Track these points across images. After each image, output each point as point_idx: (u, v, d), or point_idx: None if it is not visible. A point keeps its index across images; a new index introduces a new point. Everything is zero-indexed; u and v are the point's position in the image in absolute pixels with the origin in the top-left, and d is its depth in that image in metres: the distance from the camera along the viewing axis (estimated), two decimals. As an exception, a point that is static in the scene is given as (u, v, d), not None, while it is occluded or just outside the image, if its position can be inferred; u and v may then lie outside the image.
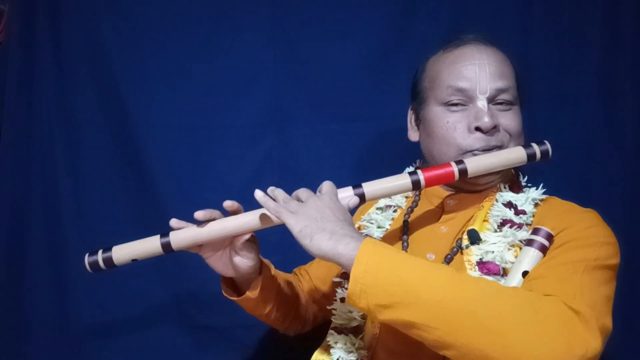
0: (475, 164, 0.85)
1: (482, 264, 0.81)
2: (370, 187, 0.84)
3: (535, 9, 1.26)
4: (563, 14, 1.25)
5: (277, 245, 1.12)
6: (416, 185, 0.85)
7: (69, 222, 1.30)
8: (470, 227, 0.86)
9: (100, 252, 0.85)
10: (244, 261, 0.87)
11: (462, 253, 0.85)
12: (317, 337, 0.99)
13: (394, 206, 1.02)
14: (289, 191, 0.83)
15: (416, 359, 0.80)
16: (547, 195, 0.90)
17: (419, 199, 1.00)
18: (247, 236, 0.85)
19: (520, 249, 0.80)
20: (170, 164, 1.29)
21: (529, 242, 0.78)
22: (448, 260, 0.85)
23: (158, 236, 0.84)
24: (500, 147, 0.88)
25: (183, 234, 0.84)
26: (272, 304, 0.97)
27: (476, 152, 0.88)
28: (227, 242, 0.88)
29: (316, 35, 1.30)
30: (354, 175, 1.28)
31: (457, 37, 0.94)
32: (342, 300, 0.93)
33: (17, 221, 1.29)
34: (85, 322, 1.28)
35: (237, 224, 0.83)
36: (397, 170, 0.89)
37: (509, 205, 0.87)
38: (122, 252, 0.84)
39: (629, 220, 1.19)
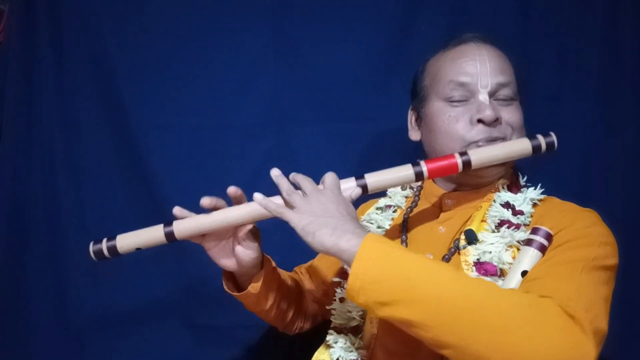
0: (479, 155, 0.84)
1: (479, 265, 0.81)
2: (372, 178, 0.84)
3: (535, 8, 1.26)
4: (563, 14, 1.25)
5: (278, 244, 1.13)
6: (419, 177, 0.84)
7: (69, 222, 1.30)
8: (467, 228, 0.86)
9: (104, 240, 0.85)
10: (246, 252, 0.87)
11: (459, 253, 0.85)
12: (316, 337, 0.99)
13: (394, 206, 1.02)
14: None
15: (414, 359, 0.80)
16: (545, 195, 0.90)
17: (419, 199, 1.00)
18: (250, 226, 0.86)
19: (518, 249, 0.80)
20: (170, 164, 1.29)
21: (528, 242, 0.78)
22: (446, 260, 0.85)
23: (162, 225, 0.84)
24: (503, 139, 0.88)
25: (186, 223, 0.84)
26: (273, 299, 0.97)
27: (480, 143, 0.87)
28: (230, 233, 0.88)
29: (316, 35, 1.30)
30: (354, 175, 1.28)
31: (458, 36, 0.95)
32: (342, 300, 0.93)
33: (17, 221, 1.29)
34: (85, 321, 1.28)
35: (240, 214, 0.84)
36: (398, 170, 0.88)
37: (507, 205, 0.87)
38: (126, 241, 0.85)
39: (629, 220, 1.19)
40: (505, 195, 0.89)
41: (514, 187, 0.91)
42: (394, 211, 1.01)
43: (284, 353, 1.25)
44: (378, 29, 1.30)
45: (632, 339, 1.17)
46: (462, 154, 0.84)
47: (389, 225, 0.98)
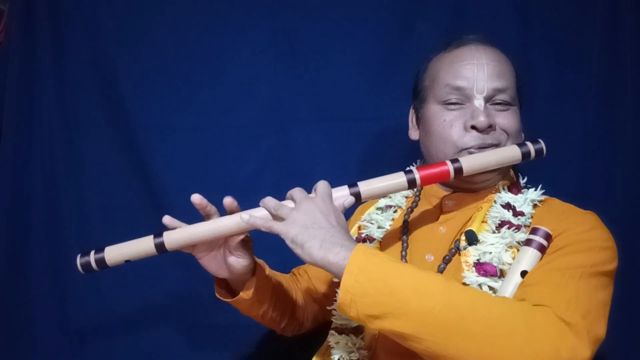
0: (470, 162, 0.85)
1: (479, 265, 0.81)
2: (365, 186, 0.84)
3: (534, 9, 1.26)
4: (562, 14, 1.25)
5: (276, 245, 1.12)
6: (412, 184, 0.85)
7: (69, 222, 1.30)
8: (468, 228, 0.86)
9: (92, 252, 0.83)
10: (238, 261, 0.87)
11: (460, 254, 0.85)
12: (316, 337, 0.99)
13: (395, 206, 1.02)
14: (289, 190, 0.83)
15: (415, 359, 0.81)
16: (546, 197, 0.90)
17: (419, 199, 1.00)
18: (242, 236, 0.85)
19: (518, 250, 0.80)
20: (170, 164, 1.29)
21: (527, 242, 0.79)
22: (446, 261, 0.85)
23: (151, 236, 0.83)
24: (496, 146, 0.89)
25: (177, 234, 0.83)
26: (267, 305, 0.97)
27: (472, 150, 0.88)
28: (221, 242, 0.88)
29: (316, 35, 1.30)
30: (354, 175, 1.28)
31: (459, 37, 0.95)
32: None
33: (17, 221, 1.29)
34: (85, 322, 1.28)
35: (231, 224, 0.83)
36: (398, 169, 0.88)
37: (508, 206, 0.87)
38: (115, 253, 0.83)
39: (628, 221, 1.19)
40: (506, 196, 0.89)
41: (515, 188, 0.92)
42: (395, 211, 1.01)
43: (284, 353, 1.25)
44: (378, 29, 1.30)
45: (632, 340, 1.17)
46: (454, 160, 0.85)
47: (390, 225, 0.98)
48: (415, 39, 1.28)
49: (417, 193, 1.02)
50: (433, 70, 0.96)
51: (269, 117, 1.31)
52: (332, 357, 0.88)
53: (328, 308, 0.95)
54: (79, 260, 0.84)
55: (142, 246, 0.83)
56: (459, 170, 0.84)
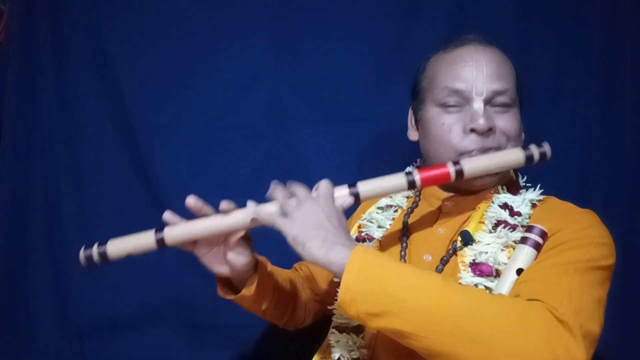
0: (472, 165, 0.84)
1: (474, 265, 0.81)
2: (365, 187, 0.84)
3: (534, 9, 1.26)
4: (562, 14, 1.25)
5: (277, 242, 1.12)
6: (412, 185, 0.84)
7: (69, 222, 1.30)
8: (463, 229, 0.86)
9: (95, 245, 0.84)
10: (238, 258, 0.87)
11: (456, 254, 0.85)
12: (316, 336, 0.99)
13: (395, 206, 1.02)
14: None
15: (415, 358, 0.80)
16: (545, 196, 0.89)
17: (419, 200, 1.00)
18: (242, 233, 0.85)
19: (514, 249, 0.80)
20: (170, 164, 1.30)
21: (523, 240, 0.79)
22: (444, 261, 0.85)
23: (153, 231, 0.83)
24: (497, 149, 0.88)
25: (177, 230, 0.83)
26: (269, 301, 0.97)
27: (472, 153, 0.87)
28: (221, 240, 0.88)
29: (317, 35, 1.30)
30: (354, 175, 1.26)
31: (458, 37, 0.94)
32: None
33: (17, 221, 1.29)
34: (85, 321, 1.28)
35: (232, 221, 0.83)
36: (398, 170, 0.88)
37: (505, 206, 0.87)
38: (117, 247, 0.84)
39: (628, 220, 1.19)
40: (504, 197, 0.89)
41: (513, 188, 0.91)
42: (395, 211, 1.01)
43: (284, 352, 1.25)
44: (378, 29, 1.30)
45: (632, 339, 1.18)
46: (455, 163, 0.84)
47: (390, 225, 0.98)
48: (415, 39, 1.28)
49: (417, 193, 1.02)
50: (431, 71, 0.95)
51: (269, 117, 1.31)
52: (332, 355, 0.88)
53: (329, 307, 0.95)
54: (82, 253, 0.84)
55: (144, 241, 0.83)
56: (459, 173, 0.83)
